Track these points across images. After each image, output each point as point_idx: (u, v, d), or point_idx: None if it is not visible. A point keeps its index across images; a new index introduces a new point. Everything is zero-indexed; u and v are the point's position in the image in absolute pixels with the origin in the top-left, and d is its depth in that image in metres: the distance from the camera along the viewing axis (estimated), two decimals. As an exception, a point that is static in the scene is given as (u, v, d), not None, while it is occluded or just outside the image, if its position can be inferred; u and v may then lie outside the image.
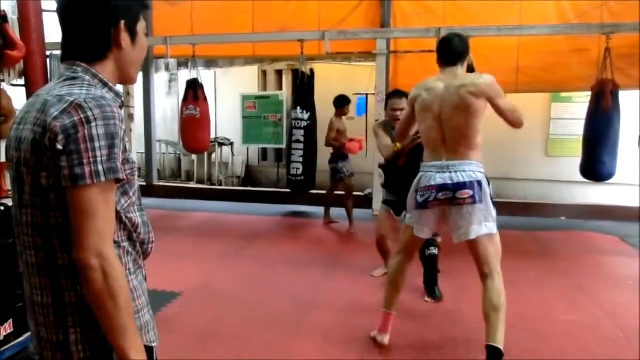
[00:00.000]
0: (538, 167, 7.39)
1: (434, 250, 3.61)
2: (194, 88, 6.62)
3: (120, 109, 1.11)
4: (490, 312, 2.50)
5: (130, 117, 7.51)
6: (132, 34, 1.15)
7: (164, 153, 9.36)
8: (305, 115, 6.23)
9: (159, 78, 9.38)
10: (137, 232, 1.18)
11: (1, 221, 2.50)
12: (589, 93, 5.67)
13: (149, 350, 1.19)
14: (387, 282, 2.99)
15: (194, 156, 9.20)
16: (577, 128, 5.89)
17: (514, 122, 2.70)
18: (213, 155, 9.26)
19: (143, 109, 7.92)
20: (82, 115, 0.99)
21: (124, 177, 1.06)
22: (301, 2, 7.03)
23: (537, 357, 2.84)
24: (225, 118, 9.16)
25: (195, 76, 6.72)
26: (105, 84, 1.12)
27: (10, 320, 2.55)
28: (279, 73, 9.38)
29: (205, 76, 7.89)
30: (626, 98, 5.75)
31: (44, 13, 2.85)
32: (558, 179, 7.05)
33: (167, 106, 9.82)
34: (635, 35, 5.93)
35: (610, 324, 3.32)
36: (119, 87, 1.20)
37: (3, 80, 2.80)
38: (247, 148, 9.10)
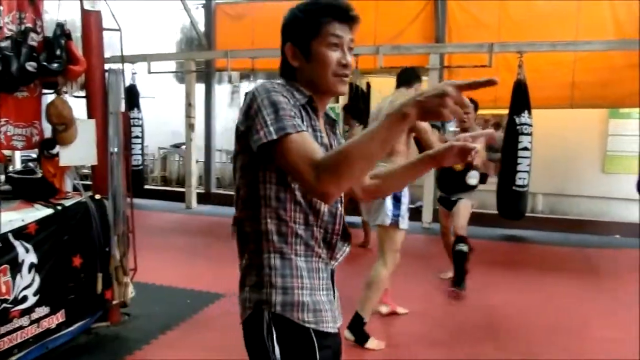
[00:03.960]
0: (594, 183, 7.20)
1: (462, 247, 3.88)
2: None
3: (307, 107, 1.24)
4: (365, 287, 3.12)
5: (191, 127, 8.00)
6: (305, 52, 1.25)
7: (224, 162, 9.88)
8: (359, 129, 6.46)
9: (223, 90, 9.93)
10: (319, 219, 1.25)
11: (60, 220, 2.79)
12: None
13: (303, 330, 1.21)
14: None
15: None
16: (636, 145, 5.75)
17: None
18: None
19: (204, 119, 8.45)
20: (250, 96, 1.19)
21: (298, 130, 1.12)
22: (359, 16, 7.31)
23: None
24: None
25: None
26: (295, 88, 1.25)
27: (63, 310, 2.83)
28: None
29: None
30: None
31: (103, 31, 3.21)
32: (614, 196, 6.85)
33: (229, 117, 10.39)
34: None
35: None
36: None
37: (67, 92, 3.10)
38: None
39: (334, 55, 1.24)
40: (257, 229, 1.24)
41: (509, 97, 5.89)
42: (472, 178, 3.97)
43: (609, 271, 4.96)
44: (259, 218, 1.23)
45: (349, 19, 1.26)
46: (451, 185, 4.17)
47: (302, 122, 1.17)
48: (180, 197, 8.21)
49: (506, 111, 6.01)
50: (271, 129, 1.11)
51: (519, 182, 5.73)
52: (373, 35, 7.14)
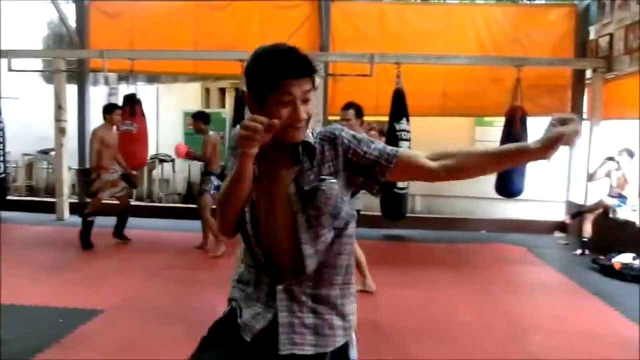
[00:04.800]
0: (464, 185, 7.90)
1: None
2: (131, 103, 6.59)
3: None
4: None
5: (61, 131, 7.28)
6: (260, 103, 1.29)
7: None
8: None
9: (99, 92, 9.23)
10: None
11: None
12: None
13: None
14: None
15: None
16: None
17: None
18: (154, 172, 9.18)
19: (78, 123, 7.77)
20: None
21: None
22: (243, 23, 7.25)
23: (437, 356, 3.16)
24: (167, 135, 9.14)
25: (133, 91, 6.73)
26: None
27: None
28: (222, 91, 9.50)
29: (147, 92, 7.89)
30: (535, 123, 6.41)
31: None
32: (483, 195, 7.62)
33: (105, 121, 9.68)
34: (541, 68, 6.69)
35: (504, 324, 3.75)
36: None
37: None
38: (189, 165, 9.11)
39: (285, 112, 1.27)
40: None
41: (388, 104, 6.25)
42: None
43: (477, 263, 5.53)
44: None
45: (305, 74, 1.28)
46: None
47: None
48: (50, 208, 7.44)
49: (386, 118, 6.37)
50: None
51: (399, 185, 6.10)
52: (258, 42, 7.10)
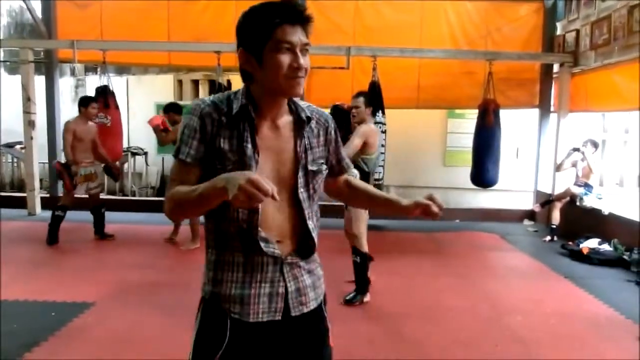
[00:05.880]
0: (438, 175, 8.16)
1: (354, 258, 3.87)
2: (104, 95, 6.45)
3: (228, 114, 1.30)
4: None
5: (31, 124, 7.06)
6: (258, 58, 1.26)
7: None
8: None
9: (65, 83, 8.96)
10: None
11: None
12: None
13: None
14: None
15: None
16: (470, 141, 6.65)
17: None
18: (126, 165, 9.00)
19: (47, 116, 7.53)
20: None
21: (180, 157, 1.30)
22: (218, 13, 7.15)
23: (427, 337, 3.32)
24: (139, 127, 8.95)
25: (105, 83, 6.58)
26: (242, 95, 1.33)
27: None
28: (195, 83, 9.38)
29: (116, 83, 7.70)
30: (506, 116, 6.65)
31: None
32: (454, 186, 7.84)
33: (74, 113, 9.43)
34: (511, 62, 6.92)
35: (486, 306, 3.95)
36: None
37: None
38: (163, 158, 8.97)
39: (286, 59, 1.25)
40: None
41: (366, 97, 6.34)
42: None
43: (454, 250, 5.74)
44: None
45: (301, 20, 1.26)
46: None
47: (201, 143, 1.29)
48: (19, 203, 7.20)
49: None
50: (176, 148, 1.33)
51: (376, 176, 6.20)
52: (233, 34, 7.03)
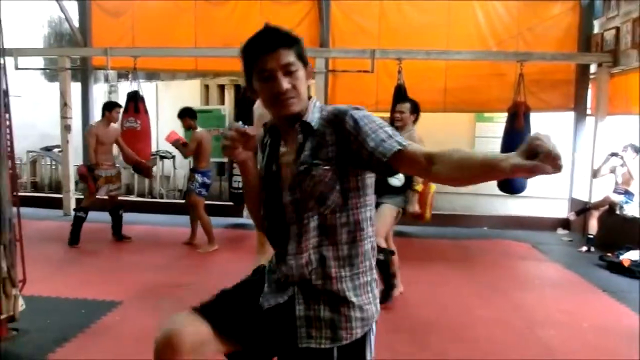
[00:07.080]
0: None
1: (379, 256, 3.83)
2: (135, 100, 6.63)
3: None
4: None
5: (67, 128, 7.33)
6: (251, 89, 1.40)
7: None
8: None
9: (99, 89, 9.24)
10: None
11: None
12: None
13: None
14: None
15: (134, 169, 9.06)
16: (498, 146, 6.41)
17: None
18: (154, 168, 9.18)
19: (82, 121, 7.79)
20: None
21: None
22: (243, 19, 7.22)
23: (453, 348, 3.17)
24: (167, 131, 9.09)
25: (136, 89, 6.74)
26: None
27: None
28: (221, 88, 9.48)
29: (146, 89, 7.87)
30: (537, 119, 6.37)
31: None
32: (482, 192, 7.58)
33: (107, 118, 9.70)
34: (544, 63, 6.63)
35: (516, 318, 3.73)
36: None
37: None
38: (189, 162, 9.08)
39: (268, 86, 1.32)
40: None
41: (389, 100, 6.20)
42: (395, 179, 3.67)
43: (483, 259, 5.51)
44: None
45: (272, 48, 1.29)
46: (375, 187, 3.96)
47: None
48: (55, 204, 7.49)
49: (387, 114, 6.32)
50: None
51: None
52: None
